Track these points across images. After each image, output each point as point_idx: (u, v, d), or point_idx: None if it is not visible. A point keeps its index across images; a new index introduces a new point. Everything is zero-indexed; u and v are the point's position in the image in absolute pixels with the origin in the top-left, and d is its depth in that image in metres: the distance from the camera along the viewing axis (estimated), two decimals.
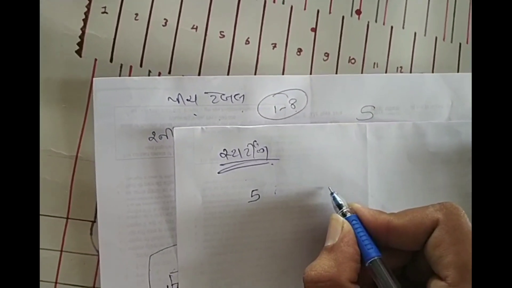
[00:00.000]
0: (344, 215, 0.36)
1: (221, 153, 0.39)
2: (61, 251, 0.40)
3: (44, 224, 0.39)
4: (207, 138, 0.39)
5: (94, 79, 0.39)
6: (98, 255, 0.39)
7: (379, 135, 0.42)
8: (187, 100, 0.40)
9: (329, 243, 0.34)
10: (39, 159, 0.39)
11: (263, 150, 0.40)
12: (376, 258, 0.33)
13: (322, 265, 0.33)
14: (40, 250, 0.39)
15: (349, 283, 0.32)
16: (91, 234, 0.40)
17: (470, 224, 0.32)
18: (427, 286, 0.32)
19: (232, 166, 0.39)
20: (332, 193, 0.38)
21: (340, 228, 0.35)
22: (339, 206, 0.37)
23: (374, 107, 0.43)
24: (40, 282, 0.39)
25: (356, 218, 0.35)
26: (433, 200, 0.36)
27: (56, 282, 0.40)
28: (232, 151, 0.39)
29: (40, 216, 0.39)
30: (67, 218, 0.40)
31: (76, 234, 0.40)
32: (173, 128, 0.39)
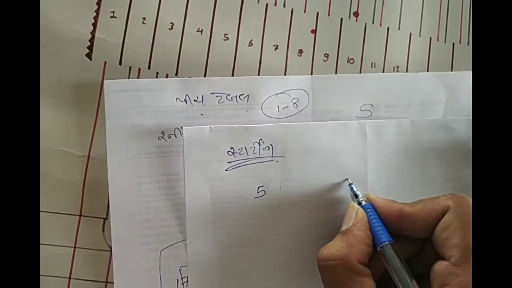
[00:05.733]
0: (359, 203, 0.38)
1: (229, 151, 0.40)
2: (75, 247, 0.41)
3: (58, 221, 0.41)
4: (215, 137, 0.40)
5: (105, 81, 0.40)
6: (110, 251, 0.40)
7: (378, 132, 0.44)
8: (194, 100, 0.41)
9: (343, 228, 0.37)
10: (39, 157, 0.40)
11: (269, 148, 0.41)
12: (387, 242, 0.35)
13: (335, 246, 0.35)
14: (54, 247, 0.41)
15: (358, 263, 0.34)
16: (103, 230, 0.41)
17: None
18: (431, 270, 0.34)
19: (239, 163, 0.41)
20: (350, 184, 0.41)
21: (354, 215, 0.37)
22: (356, 196, 0.39)
23: (372, 105, 0.45)
24: (54, 278, 0.41)
25: (370, 207, 0.37)
26: (429, 194, 0.38)
27: (70, 278, 0.41)
28: (239, 149, 0.41)
29: (54, 214, 0.40)
30: (80, 215, 0.41)
31: (88, 231, 0.41)
32: (181, 128, 0.40)
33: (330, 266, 0.34)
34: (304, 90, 0.44)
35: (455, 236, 0.33)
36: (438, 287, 0.33)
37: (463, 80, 0.47)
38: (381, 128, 0.44)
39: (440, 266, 0.33)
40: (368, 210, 0.37)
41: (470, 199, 0.35)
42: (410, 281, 0.33)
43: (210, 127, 0.40)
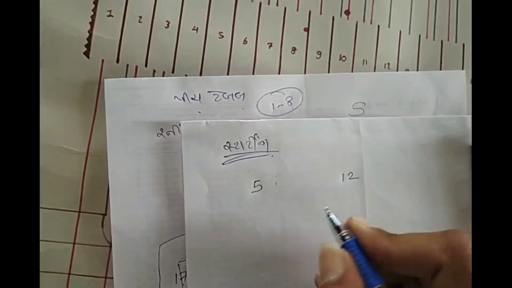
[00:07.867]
0: (343, 239, 0.33)
1: (225, 145, 0.41)
2: (74, 243, 0.41)
3: (57, 218, 0.41)
4: (212, 131, 0.41)
5: (105, 80, 0.41)
6: (109, 247, 0.41)
7: (371, 129, 0.44)
8: (192, 98, 0.42)
9: (332, 277, 0.31)
10: (39, 154, 0.41)
11: (263, 142, 0.42)
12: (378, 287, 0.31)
13: None
14: (54, 243, 0.41)
15: None
16: (102, 226, 0.42)
17: None
18: None
19: (235, 157, 0.41)
20: (328, 215, 0.35)
21: (339, 260, 0.32)
22: (338, 229, 0.34)
23: (364, 103, 0.46)
24: (54, 274, 0.41)
25: (355, 244, 0.33)
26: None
27: (69, 273, 0.41)
28: (235, 144, 0.41)
29: (53, 210, 0.41)
30: (79, 211, 0.42)
31: (88, 227, 0.42)
32: (179, 125, 0.41)
33: None
34: (297, 89, 0.44)
35: None
36: None
37: (452, 78, 0.48)
38: (375, 125, 0.44)
39: None
40: (353, 249, 0.32)
41: (467, 244, 0.30)
42: None
43: (207, 122, 0.41)
